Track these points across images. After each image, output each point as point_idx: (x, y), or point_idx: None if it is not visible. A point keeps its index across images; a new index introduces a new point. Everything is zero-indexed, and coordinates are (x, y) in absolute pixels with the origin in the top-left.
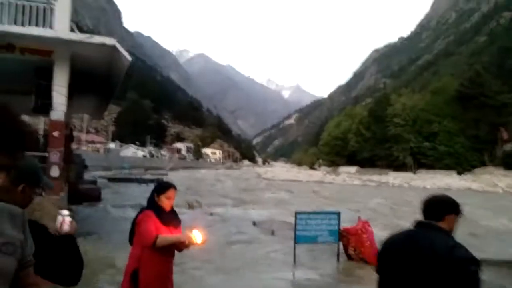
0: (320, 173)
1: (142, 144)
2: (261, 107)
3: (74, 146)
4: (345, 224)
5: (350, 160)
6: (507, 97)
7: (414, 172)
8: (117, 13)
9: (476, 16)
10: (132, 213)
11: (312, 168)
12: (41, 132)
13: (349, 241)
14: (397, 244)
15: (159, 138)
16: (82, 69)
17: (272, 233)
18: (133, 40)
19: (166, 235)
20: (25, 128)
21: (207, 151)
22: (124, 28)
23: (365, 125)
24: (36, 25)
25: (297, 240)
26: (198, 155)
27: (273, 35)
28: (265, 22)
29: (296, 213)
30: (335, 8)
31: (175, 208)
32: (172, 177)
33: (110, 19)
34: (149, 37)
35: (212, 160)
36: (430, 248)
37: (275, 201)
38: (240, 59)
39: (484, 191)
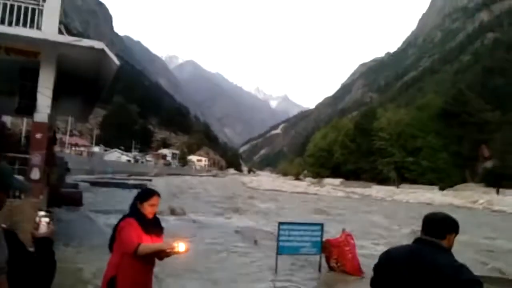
0: (305, 184)
1: (127, 149)
2: (248, 115)
3: (56, 148)
4: (329, 235)
5: (335, 172)
6: (489, 115)
7: (397, 186)
8: (107, 17)
9: (461, 35)
10: (113, 219)
11: (297, 178)
12: (23, 134)
13: (332, 253)
14: (399, 259)
15: (145, 144)
16: (69, 72)
17: (255, 242)
18: (122, 44)
19: (148, 243)
20: (4, 130)
21: (193, 158)
22: (114, 32)
23: (350, 138)
24: (24, 25)
25: (279, 250)
26: (183, 161)
27: (263, 45)
28: (255, 32)
29: (279, 224)
30: (325, 21)
31: (158, 215)
32: (156, 183)
33: (100, 22)
34: (138, 42)
35: (198, 167)
36: (436, 268)
37: (259, 211)
38: (229, 67)
39: (464, 207)
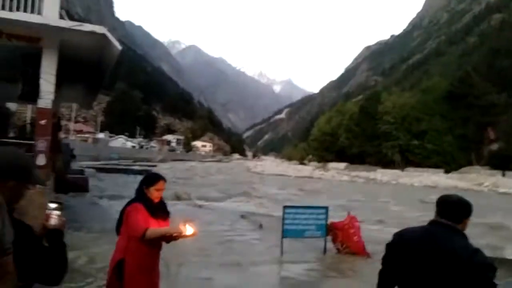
0: (310, 169)
1: (132, 135)
2: (252, 101)
3: (62, 135)
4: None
5: (340, 156)
6: (495, 97)
7: (402, 170)
8: (108, 2)
9: (467, 17)
10: (119, 204)
11: (301, 163)
12: (28, 120)
13: (337, 236)
14: (414, 240)
15: (149, 130)
16: (71, 57)
17: (260, 226)
18: (124, 30)
19: (156, 228)
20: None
21: (197, 143)
22: (115, 17)
23: (355, 122)
24: (25, 11)
25: (284, 234)
26: (188, 147)
27: (266, 28)
28: (258, 15)
29: (284, 207)
30: (329, 3)
31: (163, 200)
32: (161, 169)
33: (102, 7)
34: (140, 27)
35: (202, 153)
36: (451, 250)
37: (264, 195)
38: (231, 51)
39: (469, 190)
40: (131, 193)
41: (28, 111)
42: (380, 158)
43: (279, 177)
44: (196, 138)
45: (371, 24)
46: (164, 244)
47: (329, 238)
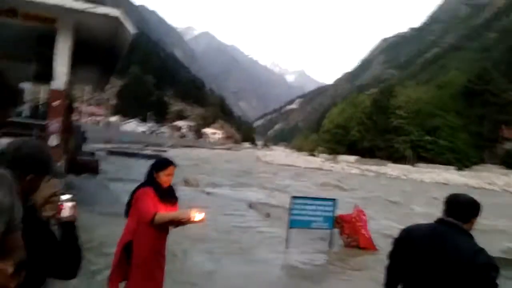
0: (319, 160)
1: (143, 120)
2: (264, 90)
3: (74, 117)
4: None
5: (350, 149)
6: None
7: (413, 165)
8: None
9: (487, 11)
10: (129, 187)
11: (311, 154)
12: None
13: (344, 228)
14: (421, 237)
15: (160, 115)
16: (86, 39)
17: (268, 216)
18: (138, 14)
19: (165, 212)
20: (14, 86)
21: (208, 131)
22: (129, 1)
23: (367, 115)
24: None
25: (291, 224)
26: (198, 134)
27: (280, 17)
28: (272, 3)
29: (292, 198)
30: None
31: (172, 185)
32: (171, 154)
33: None
34: (154, 12)
35: (212, 140)
36: (456, 250)
37: (273, 184)
38: (244, 39)
39: (481, 188)
40: (141, 177)
41: (41, 92)
42: (392, 152)
43: (288, 167)
44: (207, 125)
45: (389, 16)
46: (170, 229)
47: (336, 230)
